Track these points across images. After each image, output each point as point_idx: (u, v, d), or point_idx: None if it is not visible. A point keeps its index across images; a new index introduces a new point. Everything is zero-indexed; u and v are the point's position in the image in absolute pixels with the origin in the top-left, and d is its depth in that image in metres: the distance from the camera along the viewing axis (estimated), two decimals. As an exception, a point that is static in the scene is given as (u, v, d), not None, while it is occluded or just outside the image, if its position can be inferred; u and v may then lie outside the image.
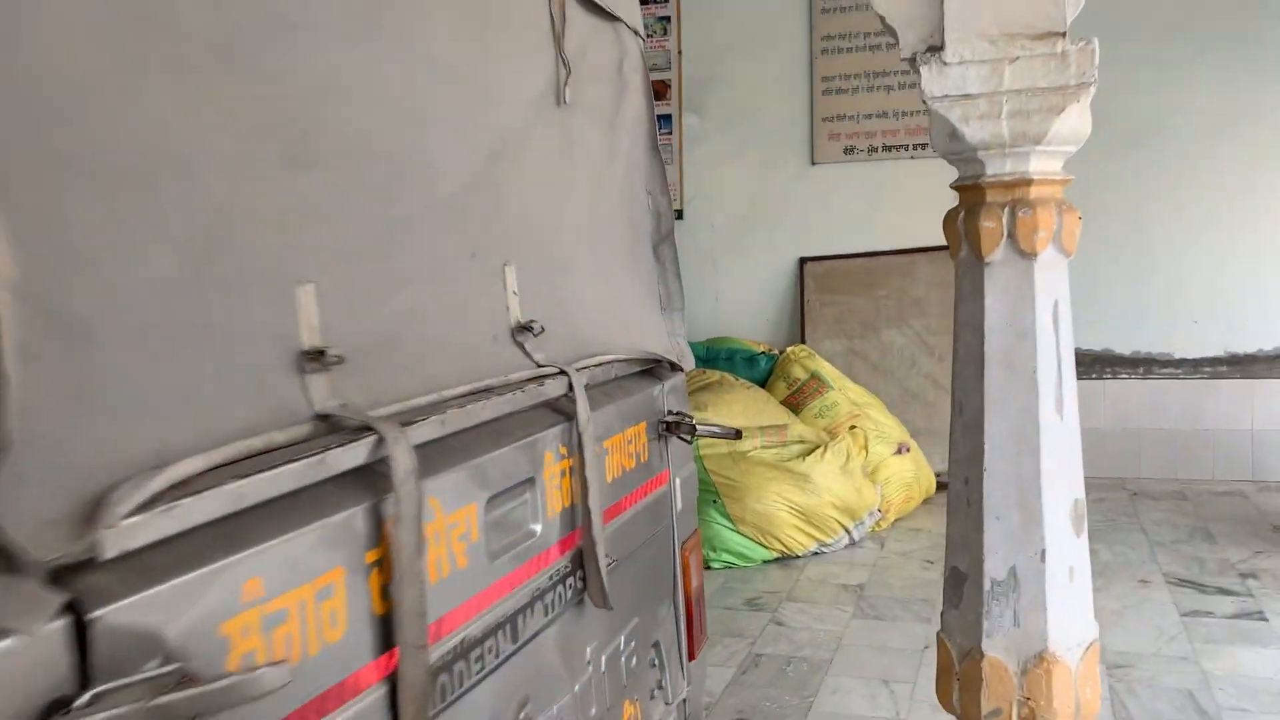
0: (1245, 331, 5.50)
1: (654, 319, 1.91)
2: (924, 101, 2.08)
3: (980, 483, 2.11)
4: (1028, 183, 2.07)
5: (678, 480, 1.85)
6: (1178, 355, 5.64)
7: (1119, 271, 5.63)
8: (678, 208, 6.38)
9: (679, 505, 1.84)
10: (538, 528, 1.28)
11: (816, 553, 4.42)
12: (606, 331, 1.60)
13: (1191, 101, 5.46)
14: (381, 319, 1.06)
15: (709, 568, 4.29)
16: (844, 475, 4.41)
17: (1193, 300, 5.58)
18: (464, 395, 1.17)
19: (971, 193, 2.15)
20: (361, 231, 1.05)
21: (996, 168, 2.09)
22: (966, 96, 2.03)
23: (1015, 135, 2.01)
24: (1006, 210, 2.08)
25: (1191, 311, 5.58)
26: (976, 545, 2.10)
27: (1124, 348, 5.69)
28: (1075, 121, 2.00)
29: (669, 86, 6.31)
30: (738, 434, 1.93)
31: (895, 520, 4.88)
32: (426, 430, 1.03)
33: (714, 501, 4.32)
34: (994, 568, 2.09)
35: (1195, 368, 5.61)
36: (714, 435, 2.10)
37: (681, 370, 1.99)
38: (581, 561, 1.37)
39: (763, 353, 5.43)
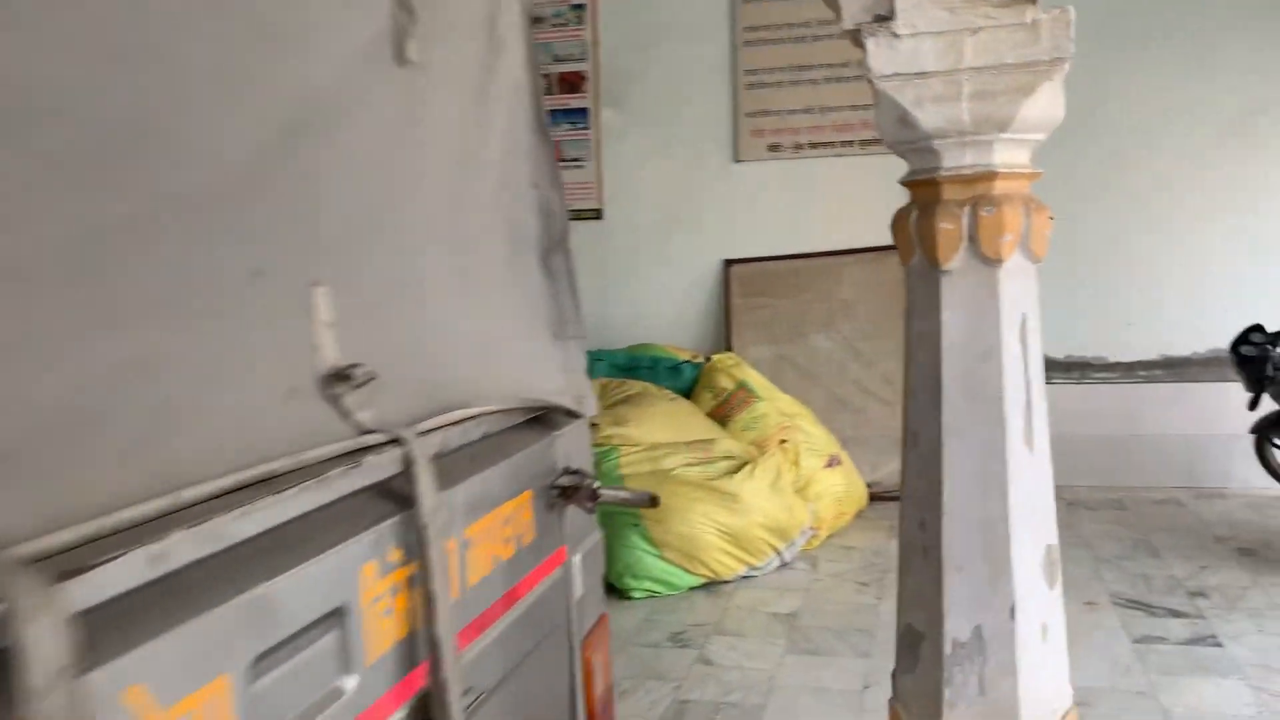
0: (1180, 334, 5.36)
1: (542, 351, 1.48)
2: (870, 82, 1.77)
3: (939, 528, 1.82)
4: (991, 177, 1.78)
5: (577, 558, 1.46)
6: (1111, 359, 5.49)
7: (1051, 274, 5.43)
8: (597, 207, 6.05)
9: (579, 591, 1.45)
10: (350, 682, 0.89)
11: (746, 576, 4.13)
12: (473, 373, 1.21)
13: (1123, 98, 5.31)
14: (68, 385, 0.68)
15: (629, 598, 3.97)
16: (774, 493, 4.12)
17: (1127, 303, 5.43)
18: (212, 498, 0.77)
19: (925, 189, 1.86)
20: (42, 240, 0.67)
21: (955, 159, 1.80)
22: (920, 75, 1.73)
23: (978, 121, 1.72)
24: (967, 210, 1.80)
25: (1126, 314, 5.43)
26: (935, 601, 1.80)
27: (1058, 352, 5.52)
28: (1046, 104, 1.71)
29: (586, 79, 5.97)
30: (653, 501, 1.56)
31: (828, 537, 4.62)
32: (124, 573, 0.66)
33: (635, 525, 3.99)
34: (956, 627, 1.79)
35: (1129, 371, 5.47)
36: (624, 505, 1.74)
37: (580, 416, 1.57)
38: (429, 710, 0.98)
39: (686, 361, 5.12)
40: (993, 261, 1.80)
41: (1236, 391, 5.05)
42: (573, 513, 1.46)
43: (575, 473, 1.44)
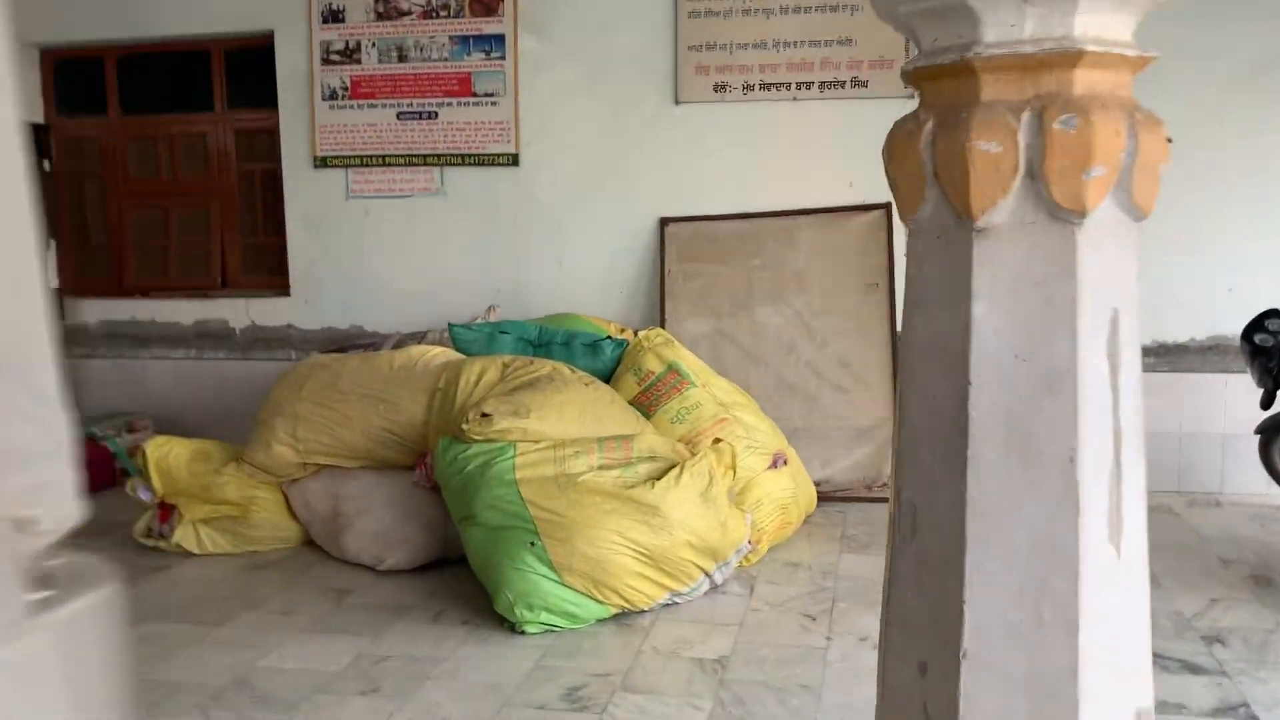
0: (1176, 317, 4.68)
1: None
2: None
3: (953, 682, 1.06)
4: (1072, 59, 1.02)
5: None
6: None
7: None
8: (512, 151, 5.20)
9: None
10: None
11: (668, 604, 3.38)
12: None
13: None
14: None
15: (521, 632, 3.20)
16: (704, 505, 3.36)
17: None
18: None
19: (949, 84, 1.07)
20: None
21: (1007, 27, 1.03)
22: None
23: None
24: (1026, 120, 1.02)
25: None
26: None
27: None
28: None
29: (502, 0, 5.10)
30: None
31: (768, 551, 3.89)
32: None
33: (532, 544, 3.22)
34: None
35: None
36: None
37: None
38: None
39: (608, 338, 4.33)
40: (1068, 214, 1.03)
41: (1239, 385, 4.40)
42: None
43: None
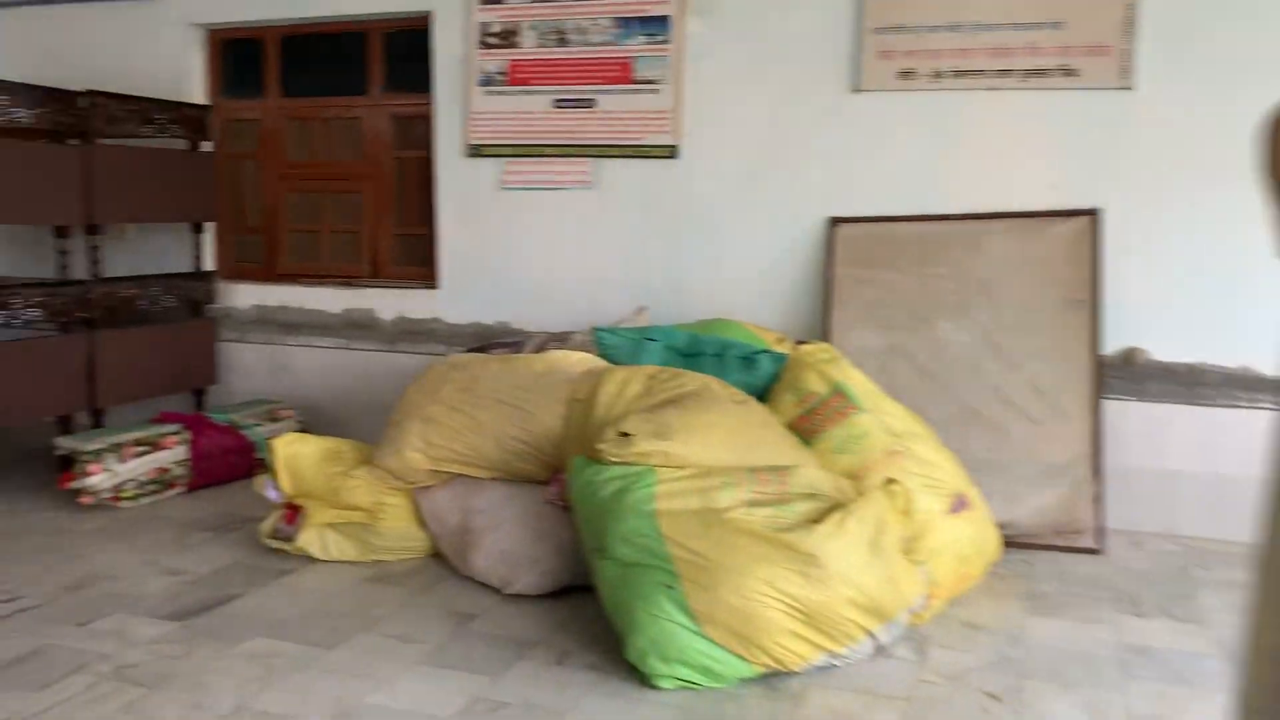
0: None
1: None
2: None
3: None
4: None
5: None
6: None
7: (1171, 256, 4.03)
8: (671, 143, 4.82)
9: None
10: None
11: (824, 667, 2.93)
12: None
13: (1209, 41, 3.81)
14: None
15: (653, 686, 2.81)
16: (872, 556, 2.89)
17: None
18: None
19: None
20: None
21: None
22: None
23: None
24: None
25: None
26: None
27: (1265, 366, 4.13)
28: None
29: (668, -22, 4.72)
30: None
31: (945, 607, 3.38)
32: None
33: (669, 587, 2.83)
34: None
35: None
36: None
37: None
38: None
39: (765, 351, 3.89)
40: None
41: None
42: None
43: None
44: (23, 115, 4.49)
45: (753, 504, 2.95)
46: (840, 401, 3.52)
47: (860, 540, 2.89)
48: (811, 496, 3.03)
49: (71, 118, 4.72)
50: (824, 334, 4.46)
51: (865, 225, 4.55)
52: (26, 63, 5.65)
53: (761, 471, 3.06)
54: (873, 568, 2.89)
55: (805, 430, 3.49)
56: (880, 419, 3.52)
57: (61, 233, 5.10)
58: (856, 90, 4.55)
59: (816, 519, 2.91)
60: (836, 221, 4.58)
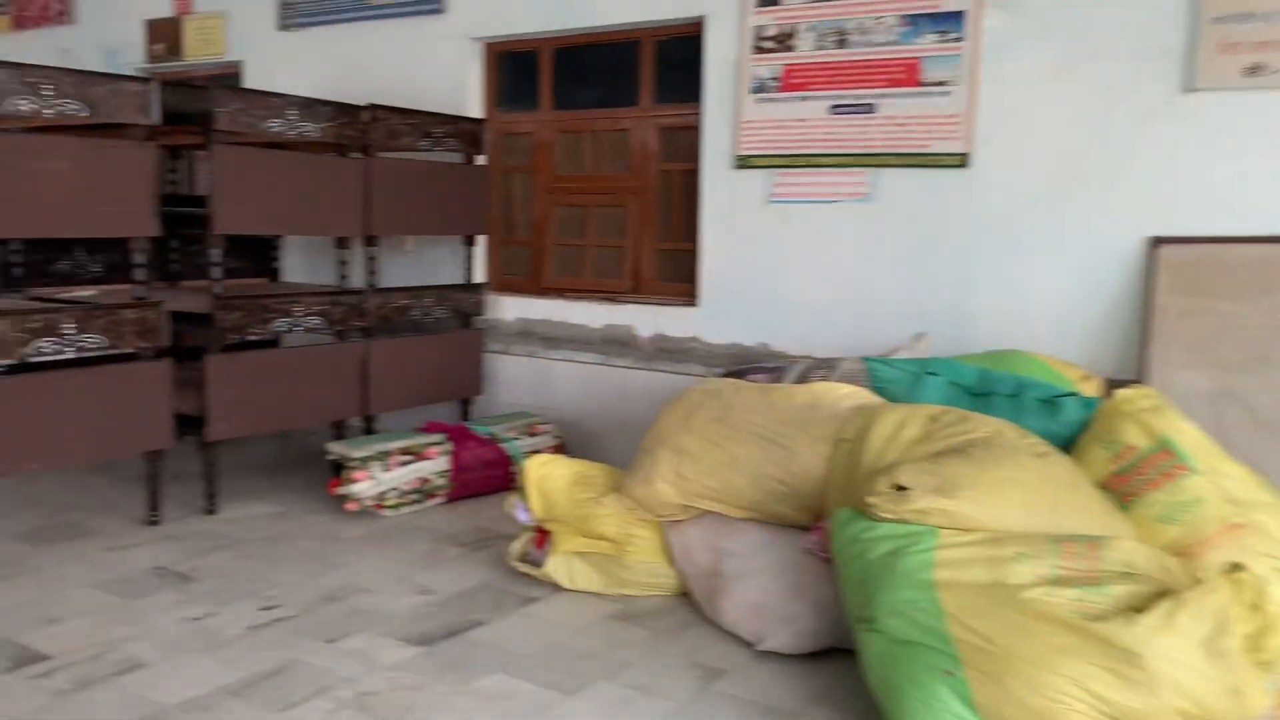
0: None
1: None
2: None
3: None
4: None
5: None
6: None
7: None
8: (962, 151, 4.33)
9: None
10: None
11: (1138, 786, 2.41)
12: None
13: None
14: None
15: (927, 791, 2.40)
16: (1209, 659, 2.34)
17: None
18: None
19: None
20: None
21: None
22: None
23: None
24: None
25: None
26: None
27: None
28: None
29: (965, -31, 4.24)
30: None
31: (1293, 719, 2.74)
32: None
33: (949, 674, 2.41)
34: None
35: None
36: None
37: None
38: None
39: (1071, 394, 3.35)
40: None
41: None
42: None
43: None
44: (310, 129, 4.66)
45: (1056, 582, 2.47)
46: (1166, 459, 2.94)
47: (1194, 638, 2.34)
48: (1129, 576, 2.50)
49: (355, 131, 4.87)
50: (1139, 373, 3.83)
51: (1195, 246, 3.88)
52: (318, 78, 5.95)
53: (1067, 542, 2.58)
54: (1210, 674, 2.33)
55: (1120, 493, 2.94)
56: (1217, 482, 2.91)
57: (342, 243, 5.29)
58: (1189, 89, 3.89)
59: (1138, 607, 2.40)
60: (1159, 241, 3.94)
